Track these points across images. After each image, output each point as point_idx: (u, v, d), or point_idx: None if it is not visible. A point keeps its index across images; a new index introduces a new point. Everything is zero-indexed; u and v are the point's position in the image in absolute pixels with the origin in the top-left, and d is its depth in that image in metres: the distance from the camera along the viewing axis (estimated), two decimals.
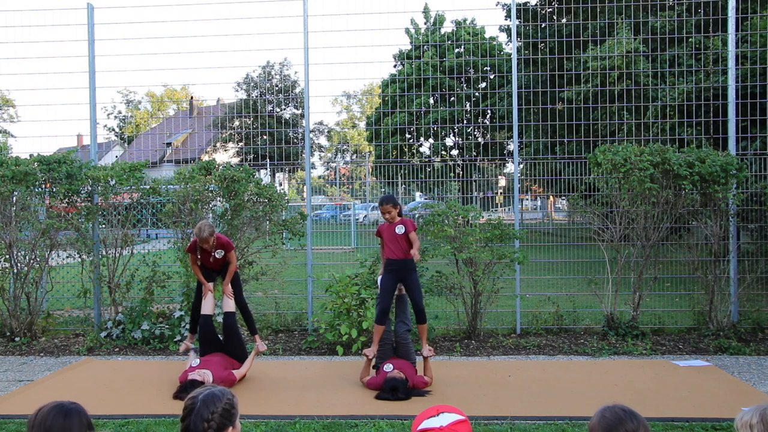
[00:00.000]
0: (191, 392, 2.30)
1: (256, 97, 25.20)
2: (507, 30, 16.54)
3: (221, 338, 5.90)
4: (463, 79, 20.02)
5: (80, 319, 8.28)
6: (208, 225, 5.62)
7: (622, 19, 11.55)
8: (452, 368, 6.12)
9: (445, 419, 2.48)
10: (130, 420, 4.64)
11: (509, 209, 12.45)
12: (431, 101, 19.88)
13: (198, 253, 5.76)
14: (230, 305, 5.87)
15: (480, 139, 16.66)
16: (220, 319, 6.41)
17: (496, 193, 12.84)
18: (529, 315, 7.85)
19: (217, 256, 5.78)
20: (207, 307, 5.84)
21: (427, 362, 5.57)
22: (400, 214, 5.61)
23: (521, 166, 11.27)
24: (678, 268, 7.99)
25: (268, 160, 12.01)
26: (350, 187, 16.59)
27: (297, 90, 24.83)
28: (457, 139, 16.60)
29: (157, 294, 7.75)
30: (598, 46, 11.50)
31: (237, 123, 22.48)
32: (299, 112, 27.10)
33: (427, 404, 4.66)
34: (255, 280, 7.73)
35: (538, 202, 16.70)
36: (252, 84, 28.37)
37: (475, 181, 10.91)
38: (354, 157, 24.75)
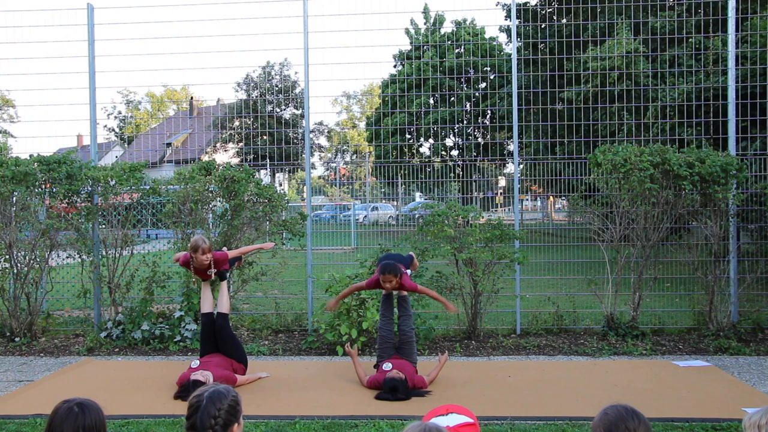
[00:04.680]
0: (195, 391, 2.30)
1: (256, 97, 25.20)
2: (507, 30, 16.54)
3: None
4: (463, 80, 20.02)
5: (80, 320, 8.28)
6: (203, 239, 5.60)
7: (622, 19, 11.55)
8: (452, 368, 6.12)
9: (453, 420, 2.48)
10: (130, 420, 4.64)
11: (509, 209, 12.46)
12: (431, 101, 19.86)
13: (192, 267, 5.68)
14: (224, 306, 5.83)
15: (480, 140, 16.66)
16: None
17: (496, 193, 12.84)
18: (529, 315, 7.85)
19: (210, 273, 5.74)
20: (206, 305, 5.83)
21: (441, 368, 5.58)
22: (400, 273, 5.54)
23: (521, 166, 11.27)
24: (678, 268, 7.99)
25: (268, 160, 12.01)
26: (350, 187, 16.59)
27: (297, 90, 24.80)
28: (457, 139, 16.59)
29: (157, 294, 7.75)
30: (598, 47, 11.50)
31: (237, 123, 22.47)
32: (299, 112, 27.11)
33: (427, 404, 4.66)
34: (255, 280, 7.73)
35: (538, 203, 16.71)
36: (252, 84, 28.36)
37: (475, 181, 10.91)
38: (354, 157, 24.76)
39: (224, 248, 6.56)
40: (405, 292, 5.83)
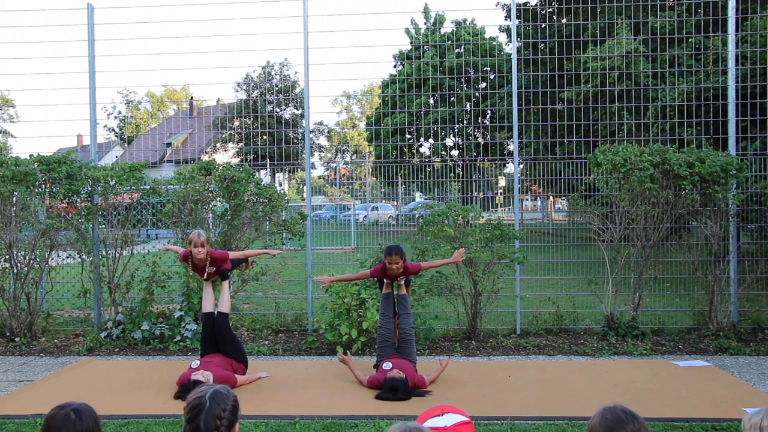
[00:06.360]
0: (193, 393, 2.28)
1: (256, 97, 25.19)
2: (507, 30, 16.54)
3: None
4: (463, 80, 20.02)
5: (80, 320, 8.28)
6: (198, 233, 5.59)
7: (622, 19, 11.55)
8: (452, 368, 6.11)
9: (450, 419, 2.46)
10: (130, 420, 4.64)
11: (509, 209, 12.46)
12: (431, 101, 19.87)
13: (190, 263, 5.67)
14: (224, 306, 5.82)
15: (480, 140, 16.66)
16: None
17: (496, 193, 12.84)
18: (529, 315, 7.85)
19: (209, 271, 5.74)
20: (207, 304, 5.83)
21: (442, 371, 5.59)
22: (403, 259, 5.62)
23: (521, 166, 11.27)
24: (678, 268, 7.99)
25: (268, 160, 12.01)
26: (350, 187, 16.59)
27: (297, 90, 24.82)
28: (457, 139, 16.59)
29: (157, 294, 7.75)
30: (598, 47, 11.50)
31: (237, 123, 22.48)
32: (299, 112, 27.11)
33: (427, 404, 4.66)
34: (255, 280, 7.73)
35: (538, 203, 16.70)
36: (252, 84, 28.36)
37: (475, 181, 10.91)
38: (354, 157, 24.75)
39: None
40: (404, 291, 5.85)
